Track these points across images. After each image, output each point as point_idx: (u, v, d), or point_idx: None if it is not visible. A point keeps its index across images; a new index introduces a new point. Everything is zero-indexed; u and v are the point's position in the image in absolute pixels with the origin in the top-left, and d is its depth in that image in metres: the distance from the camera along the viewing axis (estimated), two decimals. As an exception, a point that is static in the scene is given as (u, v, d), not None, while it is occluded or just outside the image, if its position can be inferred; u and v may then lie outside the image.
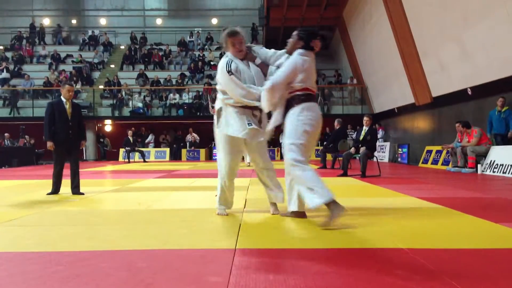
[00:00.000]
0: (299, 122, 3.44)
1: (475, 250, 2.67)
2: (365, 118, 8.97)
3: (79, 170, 5.92)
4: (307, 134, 3.45)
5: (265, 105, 3.48)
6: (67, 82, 6.20)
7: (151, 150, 20.21)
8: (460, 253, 2.60)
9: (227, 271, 2.23)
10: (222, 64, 3.65)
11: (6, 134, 16.91)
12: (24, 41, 25.40)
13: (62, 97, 5.82)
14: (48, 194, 5.71)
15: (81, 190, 5.82)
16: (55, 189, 5.78)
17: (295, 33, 3.60)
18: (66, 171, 5.84)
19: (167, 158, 19.97)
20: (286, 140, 3.47)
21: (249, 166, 12.17)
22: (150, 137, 20.94)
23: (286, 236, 3.12)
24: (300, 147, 3.42)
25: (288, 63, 3.47)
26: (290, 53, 3.59)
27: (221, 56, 23.57)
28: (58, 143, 5.74)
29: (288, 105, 3.52)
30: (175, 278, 2.17)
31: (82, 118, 6.12)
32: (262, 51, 3.78)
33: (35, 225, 3.68)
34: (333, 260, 2.46)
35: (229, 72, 3.56)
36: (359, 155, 8.84)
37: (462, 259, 2.47)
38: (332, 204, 3.24)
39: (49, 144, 5.71)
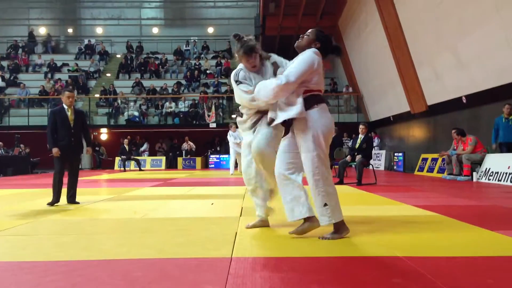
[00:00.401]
0: (321, 126, 3.16)
1: (472, 258, 2.67)
2: (360, 126, 9.00)
3: (78, 179, 5.81)
4: (328, 141, 3.20)
5: (270, 99, 3.20)
6: (67, 89, 6.09)
7: (147, 159, 20.16)
8: (457, 261, 2.60)
9: (223, 280, 2.22)
10: (231, 75, 3.58)
11: None
12: (20, 50, 25.41)
13: (64, 104, 5.73)
14: (49, 204, 5.49)
15: (77, 199, 5.74)
16: (56, 198, 5.56)
17: (313, 32, 3.32)
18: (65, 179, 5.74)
19: (163, 166, 19.92)
20: (312, 147, 3.12)
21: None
22: (146, 146, 20.90)
23: (282, 244, 3.11)
24: (326, 155, 3.18)
25: (304, 59, 3.14)
26: (301, 48, 3.29)
27: (217, 65, 23.82)
28: (60, 151, 5.61)
29: (306, 105, 3.13)
30: (171, 287, 2.16)
31: (86, 125, 6.00)
32: (277, 58, 3.65)
33: (30, 235, 3.65)
34: (330, 269, 2.45)
35: (237, 81, 3.49)
36: (355, 163, 8.85)
37: (459, 267, 2.47)
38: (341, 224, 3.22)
39: (55, 151, 5.56)
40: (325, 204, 3.14)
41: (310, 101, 3.15)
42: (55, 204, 5.53)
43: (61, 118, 5.66)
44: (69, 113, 5.69)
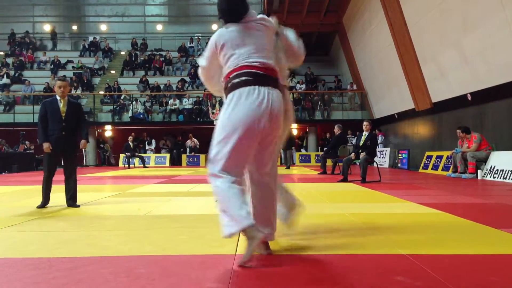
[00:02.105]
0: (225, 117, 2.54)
1: (477, 256, 2.66)
2: (364, 123, 8.97)
3: (76, 176, 5.30)
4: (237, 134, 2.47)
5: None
6: (59, 77, 5.41)
7: (151, 156, 20.21)
8: (462, 259, 2.59)
9: (227, 278, 2.22)
10: None
11: (2, 140, 16.86)
12: (20, 45, 25.49)
13: (56, 95, 5.21)
14: (38, 207, 5.06)
15: (80, 197, 5.41)
16: (45, 200, 5.12)
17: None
18: (60, 177, 5.37)
19: (167, 163, 19.96)
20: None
21: None
22: (154, 144, 20.94)
23: (286, 242, 3.11)
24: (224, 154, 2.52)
25: None
26: None
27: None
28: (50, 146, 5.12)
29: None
30: (174, 284, 2.16)
31: (83, 117, 5.42)
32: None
33: (34, 231, 3.67)
34: (333, 266, 2.45)
35: None
36: (359, 161, 8.83)
37: (463, 265, 2.46)
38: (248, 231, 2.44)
39: (46, 146, 5.08)
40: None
41: (227, 92, 2.61)
42: (47, 207, 5.13)
43: (52, 110, 5.13)
44: (61, 105, 5.16)
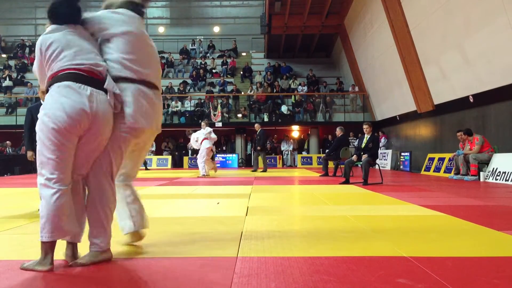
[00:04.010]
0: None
1: (479, 258, 2.65)
2: (364, 126, 8.95)
3: None
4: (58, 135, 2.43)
5: None
6: None
7: (153, 158, 20.22)
8: (464, 261, 2.58)
9: (228, 280, 2.22)
10: None
11: (7, 142, 16.92)
12: (27, 49, 25.54)
13: (41, 101, 5.35)
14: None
15: None
16: None
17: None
18: None
19: (169, 165, 19.97)
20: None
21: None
22: (154, 146, 20.95)
23: (288, 244, 3.10)
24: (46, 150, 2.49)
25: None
26: None
27: (223, 64, 23.83)
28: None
29: None
30: (175, 287, 2.15)
31: None
32: None
33: (36, 233, 3.65)
34: (335, 268, 2.44)
35: None
36: (361, 163, 8.82)
37: (466, 268, 2.45)
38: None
39: (29, 155, 5.00)
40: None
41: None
42: None
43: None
44: None
